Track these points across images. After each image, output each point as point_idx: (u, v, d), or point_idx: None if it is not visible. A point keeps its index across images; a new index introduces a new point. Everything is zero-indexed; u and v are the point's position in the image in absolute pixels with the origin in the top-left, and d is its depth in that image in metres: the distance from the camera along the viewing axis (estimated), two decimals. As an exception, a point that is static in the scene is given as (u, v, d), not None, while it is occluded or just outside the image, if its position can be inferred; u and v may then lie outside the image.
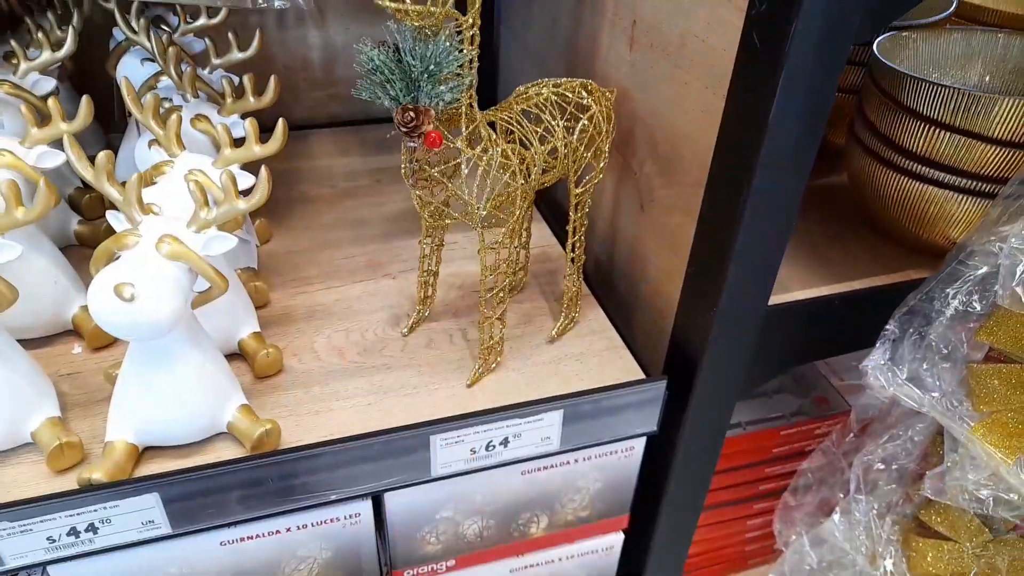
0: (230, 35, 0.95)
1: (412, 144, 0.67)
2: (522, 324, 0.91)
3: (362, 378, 0.83)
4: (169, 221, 0.65)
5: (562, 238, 1.01)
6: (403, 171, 0.73)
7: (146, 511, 0.68)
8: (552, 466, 0.86)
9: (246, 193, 0.67)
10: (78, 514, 0.66)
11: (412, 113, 0.63)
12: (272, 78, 0.85)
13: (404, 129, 0.64)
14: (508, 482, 0.85)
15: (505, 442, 0.77)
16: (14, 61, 0.94)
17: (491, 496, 0.86)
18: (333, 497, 0.75)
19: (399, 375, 0.83)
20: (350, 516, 0.81)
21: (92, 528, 0.67)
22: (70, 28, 0.92)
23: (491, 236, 0.77)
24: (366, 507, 0.80)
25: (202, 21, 1.00)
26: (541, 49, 1.14)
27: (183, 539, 0.73)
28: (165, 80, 0.93)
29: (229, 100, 0.85)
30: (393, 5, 0.59)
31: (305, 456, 0.71)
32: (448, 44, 0.62)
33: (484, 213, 0.73)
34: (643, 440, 0.87)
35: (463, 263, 1.01)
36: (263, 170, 0.68)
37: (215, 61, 0.95)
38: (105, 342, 0.83)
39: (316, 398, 0.80)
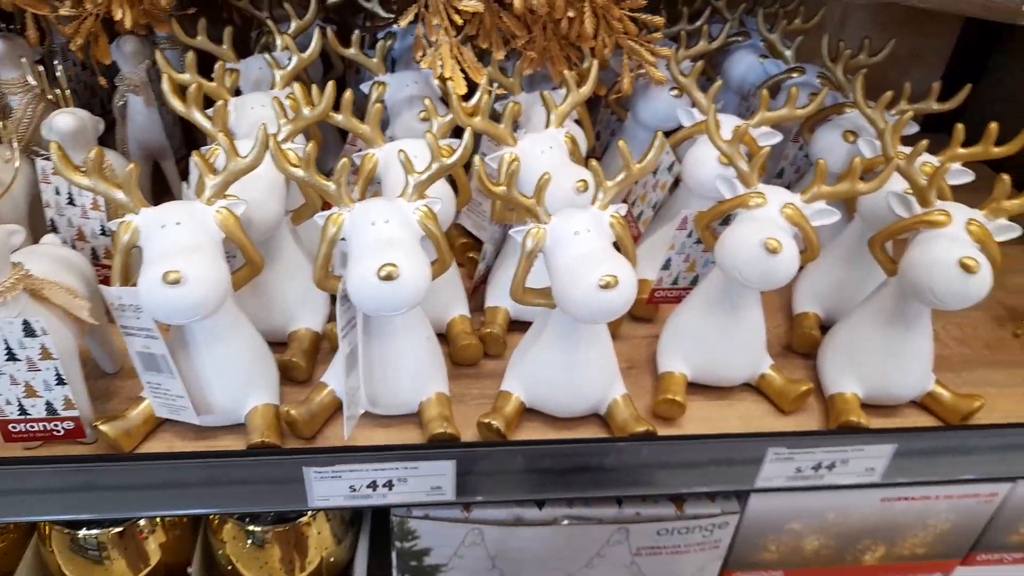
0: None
1: None
2: None
3: (999, 370, 0.89)
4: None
5: None
6: None
7: (877, 460, 0.77)
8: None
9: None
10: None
11: None
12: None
13: None
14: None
15: None
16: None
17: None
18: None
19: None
20: (988, 495, 0.87)
21: (830, 466, 0.77)
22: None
23: None
24: (1004, 489, 0.86)
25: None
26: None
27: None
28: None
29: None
30: None
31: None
32: None
33: None
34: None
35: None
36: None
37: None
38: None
39: (967, 382, 0.86)
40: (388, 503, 0.74)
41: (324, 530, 0.85)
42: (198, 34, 0.90)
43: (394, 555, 0.83)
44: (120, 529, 0.80)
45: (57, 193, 0.78)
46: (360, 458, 0.70)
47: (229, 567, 0.85)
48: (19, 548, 0.88)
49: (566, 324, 0.71)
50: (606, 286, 0.63)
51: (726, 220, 0.76)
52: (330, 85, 0.73)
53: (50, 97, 0.89)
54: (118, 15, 0.79)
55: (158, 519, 0.84)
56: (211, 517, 0.85)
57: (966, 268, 0.67)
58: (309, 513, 0.84)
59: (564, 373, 0.74)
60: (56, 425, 0.67)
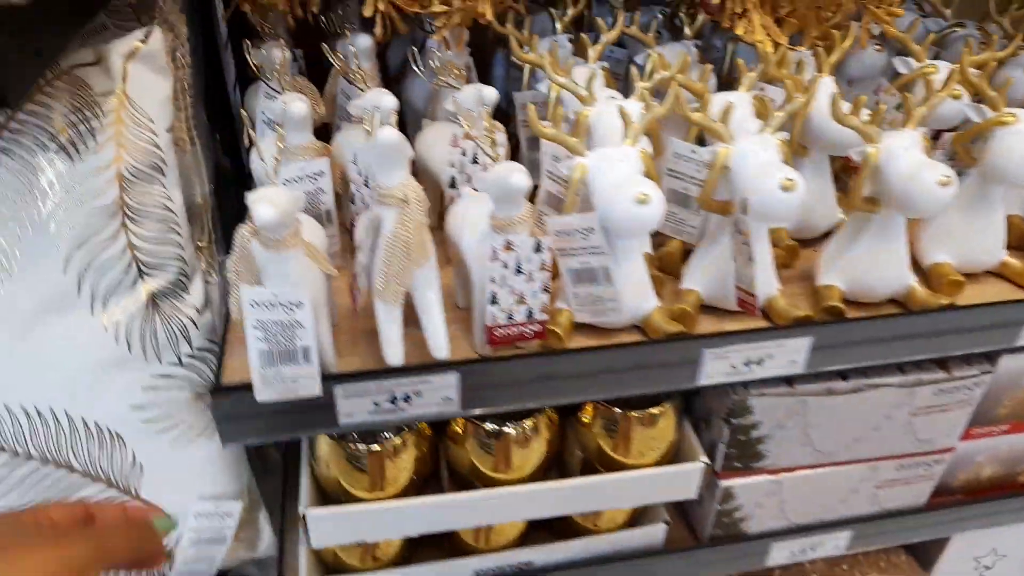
0: None
1: None
2: None
3: None
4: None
5: None
6: None
7: None
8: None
9: None
10: None
11: None
12: None
13: None
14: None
15: None
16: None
17: None
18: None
19: None
20: None
21: None
22: None
23: None
24: None
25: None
26: None
27: None
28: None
29: None
30: None
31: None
32: None
33: None
34: None
35: None
36: None
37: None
38: None
39: None
40: (756, 377, 0.93)
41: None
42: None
43: (727, 431, 1.03)
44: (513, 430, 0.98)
45: (463, 154, 0.95)
46: (745, 338, 0.89)
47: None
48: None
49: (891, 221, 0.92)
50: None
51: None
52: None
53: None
54: (483, 9, 0.97)
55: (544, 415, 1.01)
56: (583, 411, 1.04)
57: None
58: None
59: (879, 264, 0.94)
60: (527, 328, 0.85)
